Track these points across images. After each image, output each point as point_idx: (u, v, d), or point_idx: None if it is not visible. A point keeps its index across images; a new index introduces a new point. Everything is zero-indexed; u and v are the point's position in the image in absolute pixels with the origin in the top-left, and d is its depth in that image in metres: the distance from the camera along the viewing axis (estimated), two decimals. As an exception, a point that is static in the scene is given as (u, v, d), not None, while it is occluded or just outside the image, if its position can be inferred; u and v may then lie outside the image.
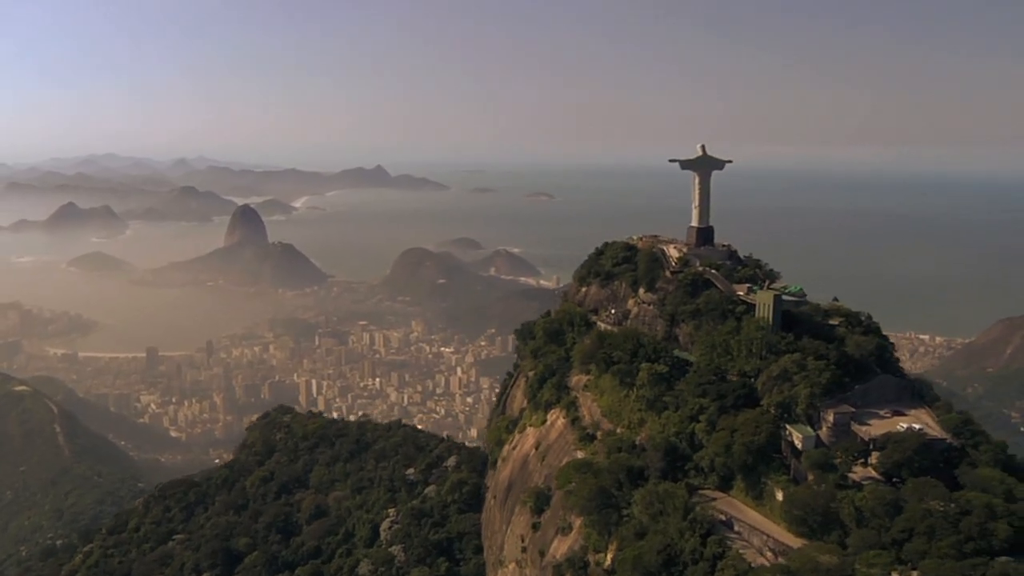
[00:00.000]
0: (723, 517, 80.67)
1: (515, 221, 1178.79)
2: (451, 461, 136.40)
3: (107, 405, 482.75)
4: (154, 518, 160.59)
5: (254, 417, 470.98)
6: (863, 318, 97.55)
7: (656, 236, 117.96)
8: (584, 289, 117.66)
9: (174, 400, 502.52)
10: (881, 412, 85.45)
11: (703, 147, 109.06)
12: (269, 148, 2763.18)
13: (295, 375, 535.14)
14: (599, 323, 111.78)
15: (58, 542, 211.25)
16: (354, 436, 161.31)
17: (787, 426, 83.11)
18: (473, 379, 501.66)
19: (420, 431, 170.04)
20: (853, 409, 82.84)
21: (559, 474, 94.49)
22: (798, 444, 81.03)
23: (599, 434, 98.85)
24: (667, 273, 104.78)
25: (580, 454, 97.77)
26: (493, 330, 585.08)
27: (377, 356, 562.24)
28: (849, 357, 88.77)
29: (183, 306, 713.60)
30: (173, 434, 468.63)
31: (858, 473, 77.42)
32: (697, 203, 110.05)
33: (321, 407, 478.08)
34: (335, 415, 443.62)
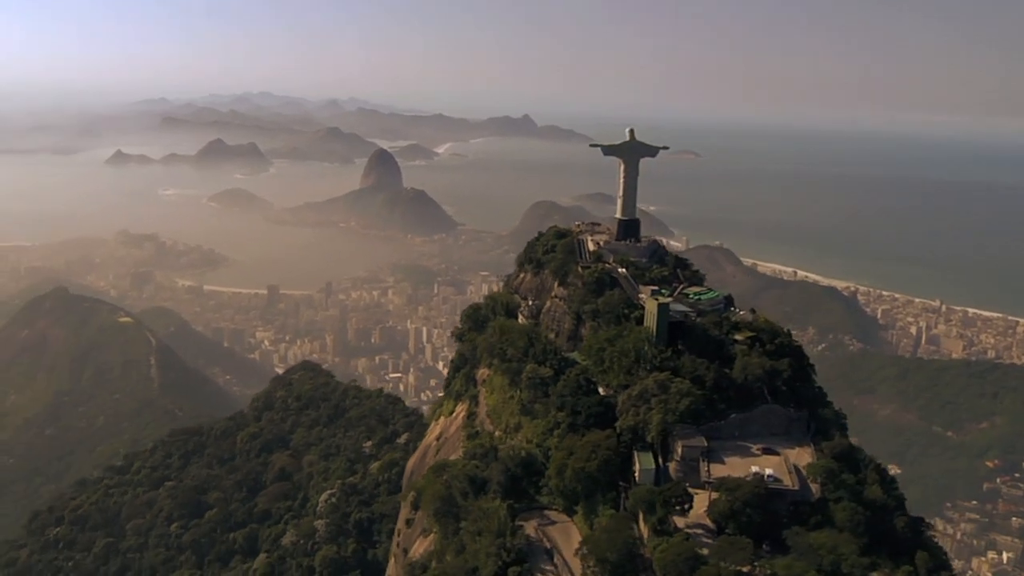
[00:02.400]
0: (548, 545, 73.11)
1: (657, 178, 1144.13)
2: (403, 438, 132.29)
3: (222, 339, 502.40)
4: (154, 463, 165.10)
5: (362, 359, 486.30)
6: (781, 336, 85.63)
7: (595, 223, 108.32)
8: (521, 275, 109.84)
9: (287, 338, 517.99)
10: (753, 448, 75.08)
11: (631, 132, 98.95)
12: (420, 93, 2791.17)
13: (408, 321, 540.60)
14: (520, 315, 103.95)
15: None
16: (335, 401, 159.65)
17: (636, 454, 74.12)
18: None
19: (398, 401, 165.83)
20: (704, 444, 72.75)
21: (426, 473, 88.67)
22: (636, 476, 72.08)
23: (481, 434, 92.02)
24: (578, 268, 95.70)
25: (461, 453, 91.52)
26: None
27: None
28: (731, 381, 78.17)
29: (311, 246, 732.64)
30: (280, 371, 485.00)
31: (689, 518, 67.90)
32: (622, 192, 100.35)
33: (428, 356, 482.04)
34: (440, 365, 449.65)
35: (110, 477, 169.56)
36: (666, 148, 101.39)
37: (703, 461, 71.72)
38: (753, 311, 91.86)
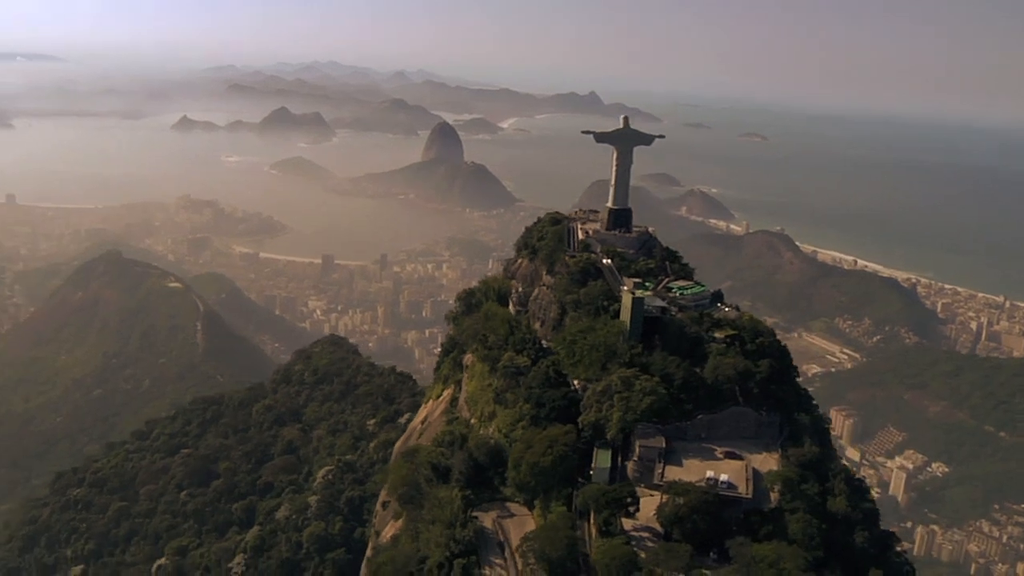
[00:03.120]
0: (502, 538, 72.17)
1: (722, 160, 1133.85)
2: (404, 418, 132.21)
3: (274, 307, 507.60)
4: (173, 430, 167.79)
5: (412, 332, 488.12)
6: (763, 335, 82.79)
7: (593, 211, 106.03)
8: (519, 261, 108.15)
9: (339, 308, 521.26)
10: (717, 451, 72.94)
11: (625, 119, 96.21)
12: (488, 67, 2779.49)
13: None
14: (510, 301, 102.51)
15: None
16: (347, 377, 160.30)
17: (596, 451, 72.56)
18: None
19: (409, 379, 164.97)
20: (662, 445, 70.86)
21: (398, 457, 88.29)
22: (591, 473, 70.51)
23: (458, 421, 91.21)
24: (566, 256, 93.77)
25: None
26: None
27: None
28: (701, 381, 75.93)
29: (369, 217, 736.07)
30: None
31: (639, 520, 66.23)
32: (614, 181, 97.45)
33: None
34: None
35: (131, 442, 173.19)
36: (661, 137, 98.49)
37: (659, 462, 69.91)
38: (738, 308, 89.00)
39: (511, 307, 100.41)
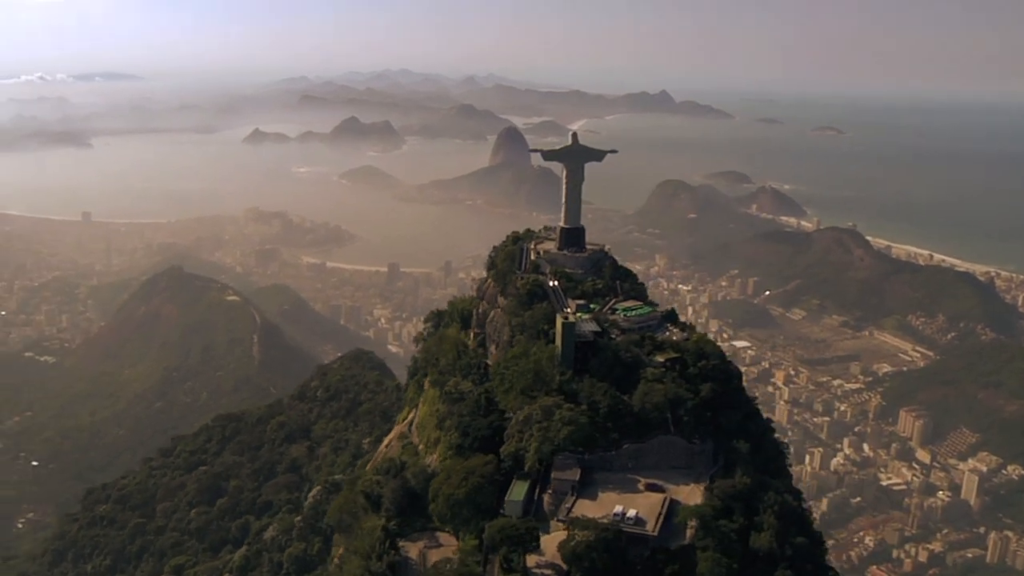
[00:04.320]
0: (423, 569, 71.14)
1: (795, 156, 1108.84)
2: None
3: (339, 317, 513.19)
4: (194, 447, 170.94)
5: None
6: (710, 358, 79.67)
7: (551, 228, 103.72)
8: (488, 281, 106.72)
9: (403, 316, 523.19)
10: (640, 483, 70.43)
11: (574, 135, 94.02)
12: (558, 69, 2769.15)
13: None
14: (473, 323, 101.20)
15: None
16: (353, 394, 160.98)
17: (514, 482, 70.95)
18: (703, 320, 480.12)
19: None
20: (575, 477, 68.77)
21: (346, 484, 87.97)
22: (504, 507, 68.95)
23: (409, 447, 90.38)
24: (516, 278, 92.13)
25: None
26: (735, 271, 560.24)
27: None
28: (628, 408, 73.46)
29: (436, 223, 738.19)
30: (392, 349, 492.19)
31: (546, 556, 64.34)
32: (565, 199, 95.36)
33: None
34: None
35: (157, 458, 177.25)
36: (614, 152, 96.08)
37: (572, 495, 67.83)
38: (686, 328, 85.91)
39: (472, 329, 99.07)
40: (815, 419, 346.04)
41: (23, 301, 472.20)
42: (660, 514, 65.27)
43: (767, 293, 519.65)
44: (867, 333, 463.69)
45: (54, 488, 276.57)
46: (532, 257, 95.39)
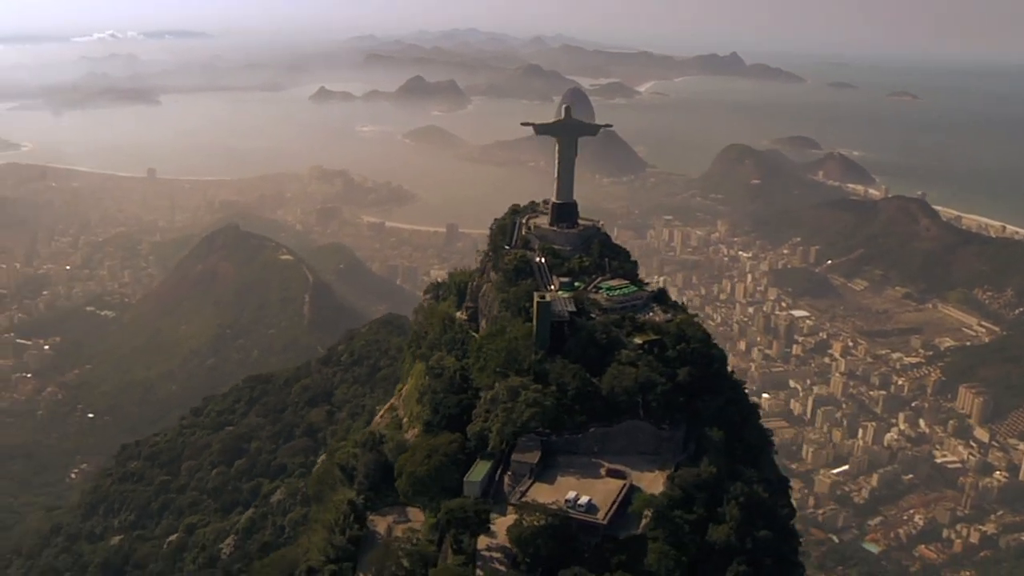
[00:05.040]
0: (387, 548, 71.24)
1: (867, 121, 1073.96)
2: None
3: (395, 277, 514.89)
4: (222, 407, 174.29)
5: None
6: (690, 342, 77.66)
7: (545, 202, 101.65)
8: (488, 253, 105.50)
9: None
10: (602, 468, 69.29)
11: (567, 109, 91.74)
12: (627, 29, 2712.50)
13: None
14: (468, 296, 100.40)
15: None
16: (373, 360, 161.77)
17: (477, 462, 70.49)
18: (761, 288, 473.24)
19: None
20: (534, 460, 67.92)
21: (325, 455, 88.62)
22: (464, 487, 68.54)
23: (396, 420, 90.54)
24: (506, 254, 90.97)
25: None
26: (798, 239, 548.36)
27: (671, 254, 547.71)
28: (596, 391, 72.16)
29: (497, 184, 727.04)
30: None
31: (498, 539, 63.80)
32: (557, 174, 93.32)
33: None
34: None
35: (188, 417, 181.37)
36: (609, 126, 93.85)
37: (529, 478, 67.08)
38: (671, 310, 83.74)
39: (467, 303, 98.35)
40: (871, 392, 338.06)
41: (87, 256, 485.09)
42: (615, 502, 64.10)
43: (829, 262, 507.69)
44: (930, 306, 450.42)
45: (107, 441, 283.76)
46: (523, 232, 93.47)
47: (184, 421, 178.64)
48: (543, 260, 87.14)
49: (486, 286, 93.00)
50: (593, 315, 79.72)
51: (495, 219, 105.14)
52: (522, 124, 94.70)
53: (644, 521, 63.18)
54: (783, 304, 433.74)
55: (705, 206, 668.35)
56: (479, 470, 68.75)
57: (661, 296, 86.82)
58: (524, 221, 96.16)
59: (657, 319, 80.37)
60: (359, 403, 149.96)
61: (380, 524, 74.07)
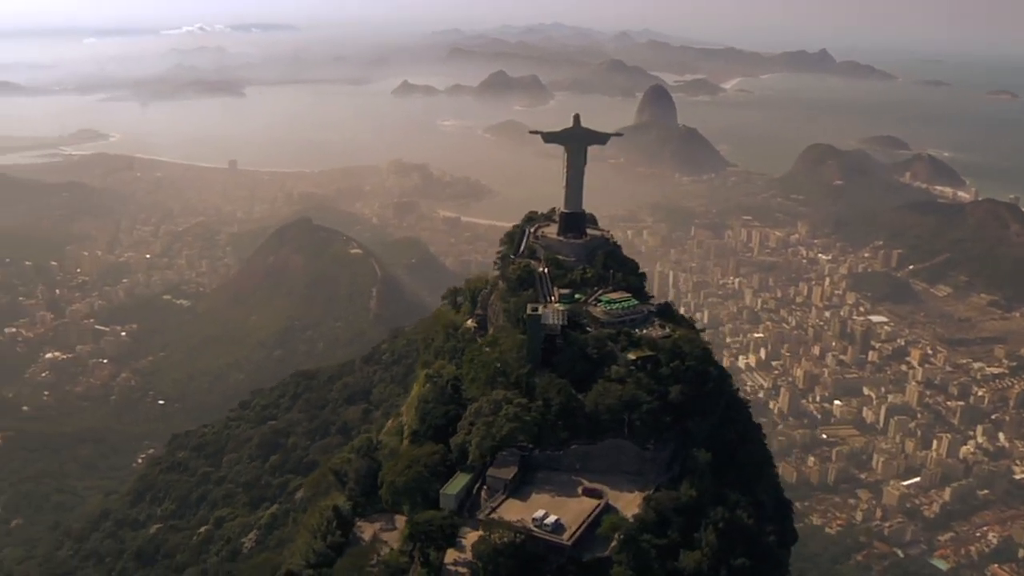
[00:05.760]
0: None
1: (960, 121, 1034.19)
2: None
3: (467, 272, 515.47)
4: (267, 401, 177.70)
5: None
6: (685, 359, 75.81)
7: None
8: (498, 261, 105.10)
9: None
10: (579, 487, 68.34)
11: (576, 117, 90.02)
12: (715, 25, 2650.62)
13: (658, 264, 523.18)
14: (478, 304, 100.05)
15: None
16: (412, 359, 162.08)
17: (457, 474, 70.37)
18: (839, 292, 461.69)
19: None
20: (508, 476, 67.33)
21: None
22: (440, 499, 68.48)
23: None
24: (511, 263, 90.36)
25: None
26: (880, 242, 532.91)
27: (748, 254, 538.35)
28: (580, 408, 71.16)
29: None
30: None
31: (466, 553, 63.53)
32: (566, 183, 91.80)
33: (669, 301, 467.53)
34: (681, 312, 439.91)
35: (235, 410, 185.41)
36: (619, 135, 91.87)
37: (502, 494, 66.57)
38: (673, 325, 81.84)
39: (477, 310, 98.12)
40: (948, 403, 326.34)
41: (167, 245, 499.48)
42: (583, 522, 63.10)
43: (911, 267, 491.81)
44: (1017, 315, 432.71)
45: (174, 427, 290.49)
46: (530, 241, 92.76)
47: (232, 413, 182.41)
48: (545, 270, 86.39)
49: (494, 295, 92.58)
50: (589, 328, 78.55)
51: (514, 225, 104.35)
52: (530, 132, 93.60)
53: (613, 544, 61.94)
54: (861, 309, 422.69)
55: (785, 207, 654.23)
56: (456, 483, 68.58)
57: (665, 311, 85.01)
58: (533, 230, 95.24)
59: (654, 335, 78.71)
60: (394, 403, 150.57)
61: (367, 531, 74.23)
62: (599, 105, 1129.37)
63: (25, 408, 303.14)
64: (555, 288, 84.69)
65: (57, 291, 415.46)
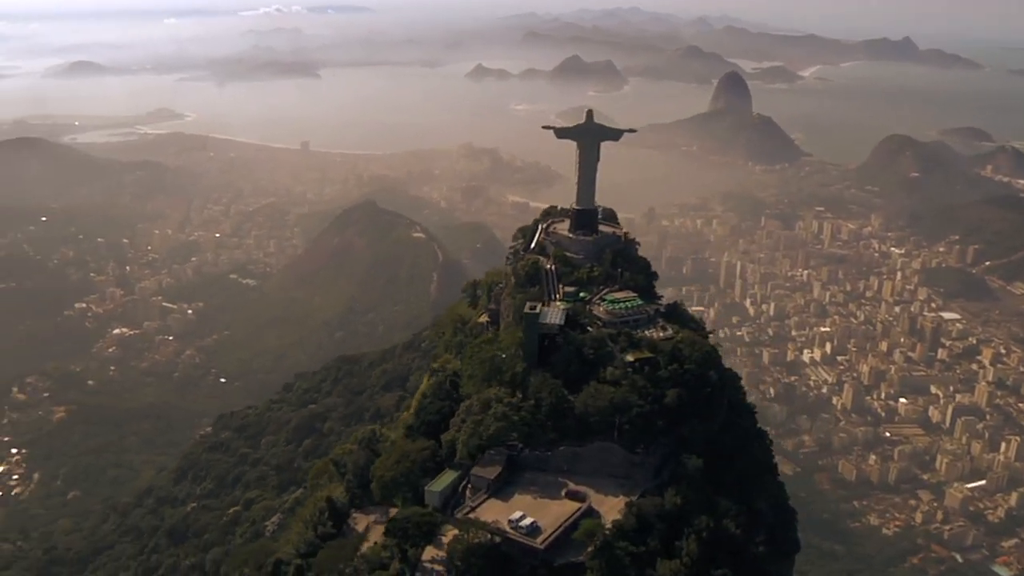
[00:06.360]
0: (364, 545, 72.59)
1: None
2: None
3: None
4: (309, 385, 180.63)
5: (668, 289, 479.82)
6: (684, 363, 74.43)
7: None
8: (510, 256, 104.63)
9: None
10: (563, 489, 67.84)
11: (589, 113, 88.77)
12: (796, 10, 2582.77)
13: (726, 254, 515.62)
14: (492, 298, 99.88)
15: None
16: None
17: (445, 471, 70.65)
18: (911, 287, 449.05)
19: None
20: (491, 476, 67.17)
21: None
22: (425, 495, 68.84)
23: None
24: (521, 259, 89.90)
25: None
26: (956, 237, 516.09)
27: (818, 246, 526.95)
28: (570, 409, 70.57)
29: (646, 168, 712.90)
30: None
31: (442, 552, 63.66)
32: (578, 179, 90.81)
33: (737, 291, 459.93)
34: (747, 304, 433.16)
35: (279, 393, 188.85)
36: (632, 131, 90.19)
37: (484, 493, 66.50)
38: (679, 327, 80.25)
39: (489, 305, 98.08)
40: (1020, 404, 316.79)
41: (237, 225, 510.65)
42: (561, 526, 62.67)
43: (987, 263, 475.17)
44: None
45: (233, 405, 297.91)
46: (541, 238, 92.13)
47: (276, 395, 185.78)
48: (553, 268, 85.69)
49: (505, 291, 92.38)
50: (589, 328, 77.75)
51: (534, 220, 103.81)
52: (543, 128, 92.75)
53: (589, 549, 61.38)
54: (932, 305, 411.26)
55: (859, 198, 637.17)
56: (442, 480, 68.81)
57: (673, 311, 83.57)
58: (545, 226, 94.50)
59: (655, 336, 77.44)
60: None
61: (361, 523, 74.76)
62: (674, 91, 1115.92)
63: (91, 382, 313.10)
64: (561, 286, 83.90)
65: (127, 268, 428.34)
